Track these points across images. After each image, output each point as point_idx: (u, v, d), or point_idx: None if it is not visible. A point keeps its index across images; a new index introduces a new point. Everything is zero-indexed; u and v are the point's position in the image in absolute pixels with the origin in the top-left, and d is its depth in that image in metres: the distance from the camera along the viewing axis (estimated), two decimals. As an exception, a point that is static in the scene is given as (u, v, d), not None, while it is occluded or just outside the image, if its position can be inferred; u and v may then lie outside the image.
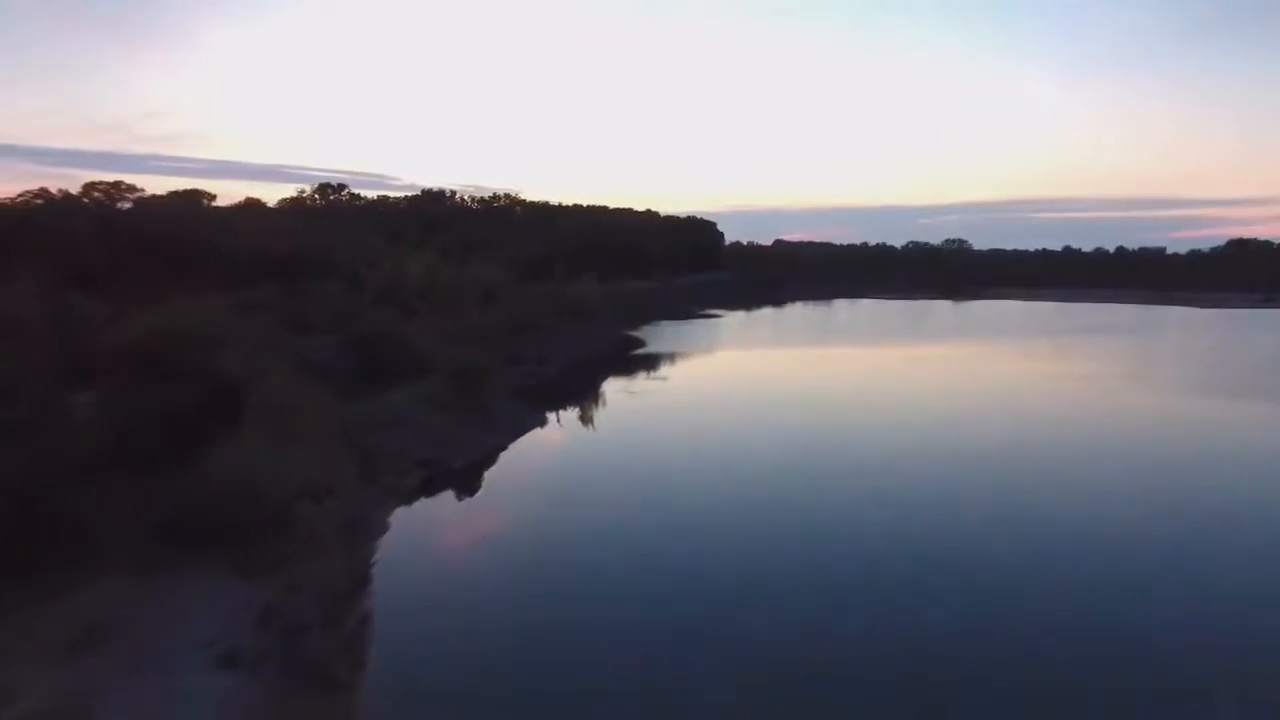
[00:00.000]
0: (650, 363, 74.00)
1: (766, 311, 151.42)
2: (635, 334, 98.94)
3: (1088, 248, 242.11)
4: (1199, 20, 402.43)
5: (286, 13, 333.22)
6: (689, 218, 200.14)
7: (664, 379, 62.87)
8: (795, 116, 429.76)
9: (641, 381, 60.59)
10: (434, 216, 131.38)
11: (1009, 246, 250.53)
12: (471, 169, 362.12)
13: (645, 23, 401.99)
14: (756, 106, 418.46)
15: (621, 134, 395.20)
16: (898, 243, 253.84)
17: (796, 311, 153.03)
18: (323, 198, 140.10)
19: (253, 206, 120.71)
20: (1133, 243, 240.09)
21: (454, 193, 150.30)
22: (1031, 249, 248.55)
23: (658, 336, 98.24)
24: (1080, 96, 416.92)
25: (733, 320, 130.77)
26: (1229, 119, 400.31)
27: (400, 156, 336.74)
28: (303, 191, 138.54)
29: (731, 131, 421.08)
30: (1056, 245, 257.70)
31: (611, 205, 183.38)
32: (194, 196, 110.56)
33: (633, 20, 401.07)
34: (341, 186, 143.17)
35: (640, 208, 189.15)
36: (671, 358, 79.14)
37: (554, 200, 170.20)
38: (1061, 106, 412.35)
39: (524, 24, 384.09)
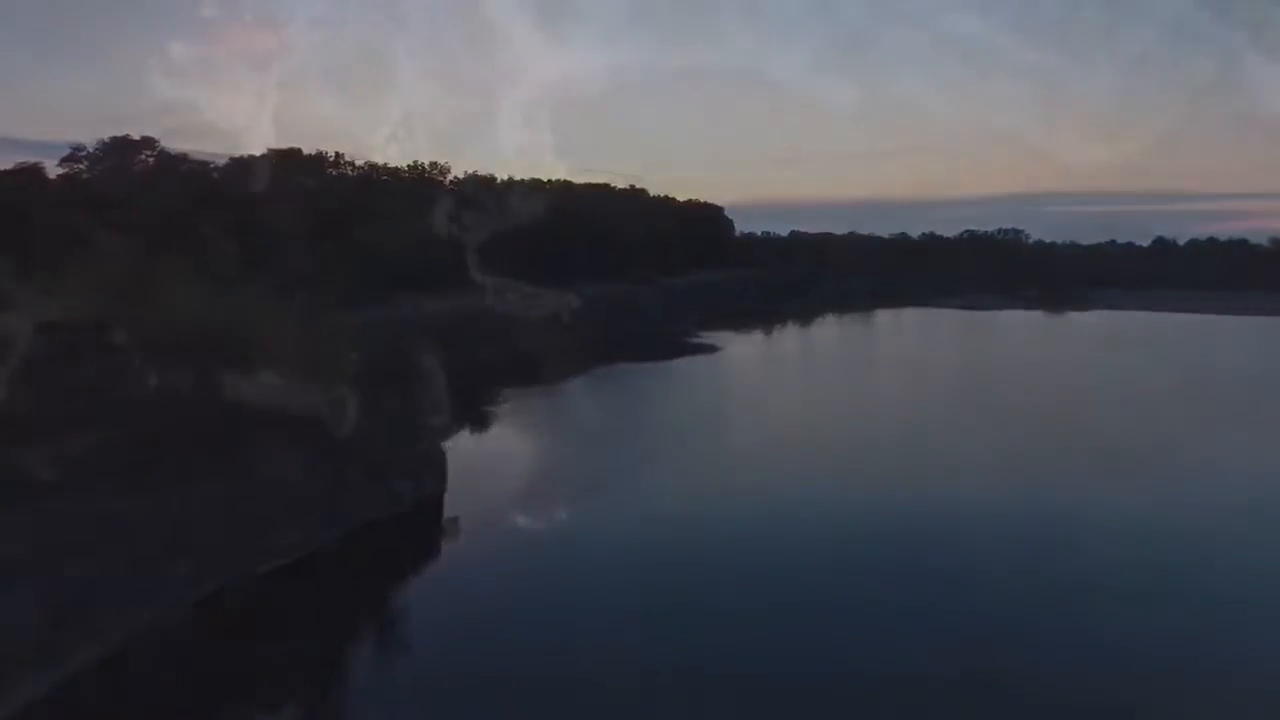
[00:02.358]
0: None
1: (789, 336, 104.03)
2: (508, 416, 50.54)
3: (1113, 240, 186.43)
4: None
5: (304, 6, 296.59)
6: (688, 201, 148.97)
7: None
8: (801, 111, 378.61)
9: None
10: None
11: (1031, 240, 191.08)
12: (483, 159, 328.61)
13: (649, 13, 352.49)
14: (762, 98, 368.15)
15: (618, 123, 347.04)
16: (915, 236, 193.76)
17: (831, 336, 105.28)
18: (119, 159, 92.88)
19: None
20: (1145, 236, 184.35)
21: (338, 155, 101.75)
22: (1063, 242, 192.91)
23: (553, 431, 48.77)
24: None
25: (733, 360, 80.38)
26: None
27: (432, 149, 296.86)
28: (80, 149, 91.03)
29: (734, 123, 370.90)
30: (1066, 237, 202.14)
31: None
32: None
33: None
34: (151, 142, 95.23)
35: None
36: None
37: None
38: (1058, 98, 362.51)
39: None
